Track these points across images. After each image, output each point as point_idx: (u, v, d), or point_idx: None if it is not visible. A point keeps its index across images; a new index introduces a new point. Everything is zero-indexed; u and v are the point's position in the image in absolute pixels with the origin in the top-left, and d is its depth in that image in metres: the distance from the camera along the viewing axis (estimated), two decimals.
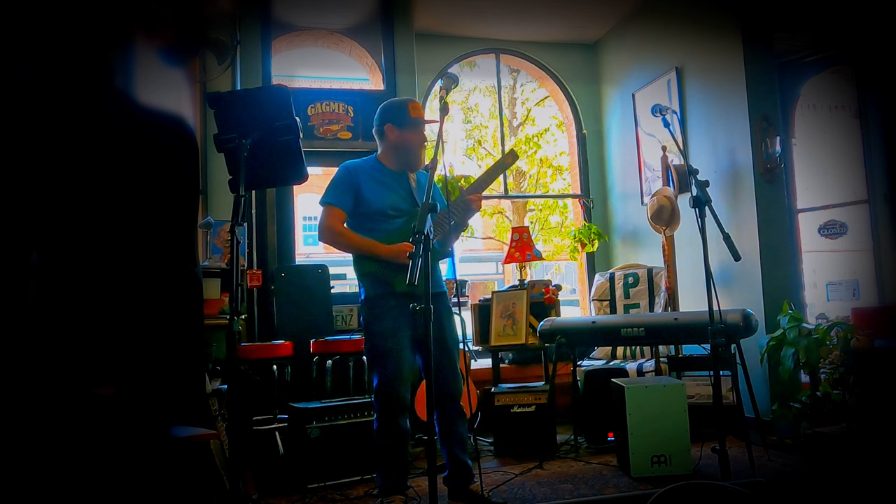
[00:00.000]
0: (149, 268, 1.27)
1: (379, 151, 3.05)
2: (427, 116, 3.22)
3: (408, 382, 2.89)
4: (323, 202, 2.93)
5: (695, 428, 3.46)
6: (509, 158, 3.03)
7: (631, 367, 4.38)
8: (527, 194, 11.20)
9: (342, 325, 4.78)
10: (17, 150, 1.14)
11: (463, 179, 5.46)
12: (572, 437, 4.14)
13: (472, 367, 4.59)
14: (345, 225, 2.92)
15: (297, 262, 5.21)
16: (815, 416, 3.66)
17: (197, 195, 1.63)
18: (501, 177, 6.89)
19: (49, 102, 1.18)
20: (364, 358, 4.17)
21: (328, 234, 2.90)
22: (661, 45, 5.31)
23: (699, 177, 3.09)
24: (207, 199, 4.59)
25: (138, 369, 1.26)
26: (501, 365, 4.89)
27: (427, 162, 3.06)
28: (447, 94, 2.60)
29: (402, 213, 2.92)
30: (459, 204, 2.89)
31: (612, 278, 5.16)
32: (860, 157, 4.38)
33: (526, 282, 4.80)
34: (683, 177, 4.84)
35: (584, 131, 6.31)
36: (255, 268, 4.71)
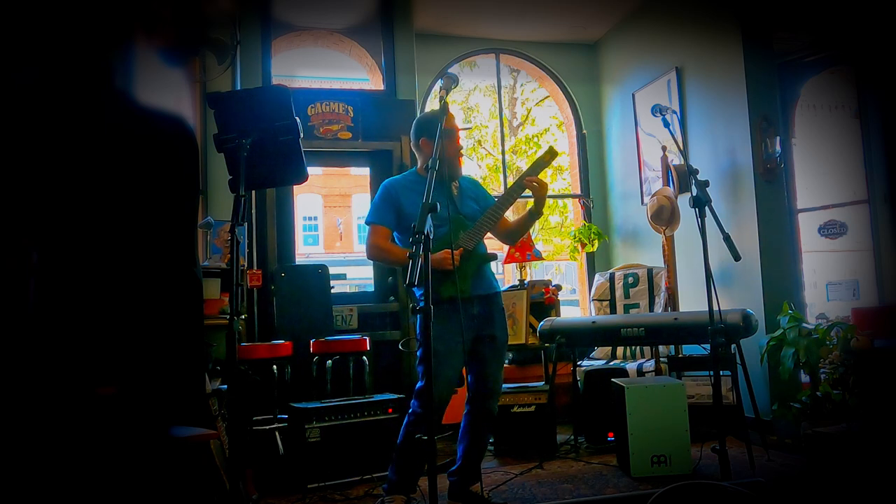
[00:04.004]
0: (149, 268, 1.27)
1: (418, 165, 3.11)
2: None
3: (451, 385, 2.91)
4: (367, 222, 3.03)
5: (695, 428, 3.46)
6: (548, 156, 3.09)
7: (631, 367, 4.38)
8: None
9: (342, 325, 4.78)
10: (18, 151, 1.14)
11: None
12: (572, 437, 4.14)
13: None
14: (390, 241, 2.99)
15: (296, 262, 5.21)
16: (815, 416, 3.67)
17: (197, 195, 1.63)
18: (501, 177, 6.93)
19: (49, 102, 1.18)
20: (364, 358, 4.21)
21: (374, 251, 2.99)
22: (661, 45, 5.31)
23: (699, 177, 3.09)
24: (207, 199, 4.59)
25: (139, 369, 1.26)
26: None
27: (430, 162, 3.09)
28: (447, 94, 2.61)
29: (444, 222, 2.93)
30: (518, 189, 3.07)
31: (612, 278, 5.16)
32: (860, 157, 4.37)
33: (526, 282, 4.81)
34: (683, 177, 4.84)
35: (584, 131, 6.31)
36: (255, 268, 4.71)
